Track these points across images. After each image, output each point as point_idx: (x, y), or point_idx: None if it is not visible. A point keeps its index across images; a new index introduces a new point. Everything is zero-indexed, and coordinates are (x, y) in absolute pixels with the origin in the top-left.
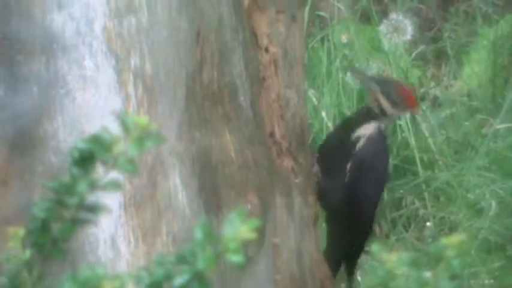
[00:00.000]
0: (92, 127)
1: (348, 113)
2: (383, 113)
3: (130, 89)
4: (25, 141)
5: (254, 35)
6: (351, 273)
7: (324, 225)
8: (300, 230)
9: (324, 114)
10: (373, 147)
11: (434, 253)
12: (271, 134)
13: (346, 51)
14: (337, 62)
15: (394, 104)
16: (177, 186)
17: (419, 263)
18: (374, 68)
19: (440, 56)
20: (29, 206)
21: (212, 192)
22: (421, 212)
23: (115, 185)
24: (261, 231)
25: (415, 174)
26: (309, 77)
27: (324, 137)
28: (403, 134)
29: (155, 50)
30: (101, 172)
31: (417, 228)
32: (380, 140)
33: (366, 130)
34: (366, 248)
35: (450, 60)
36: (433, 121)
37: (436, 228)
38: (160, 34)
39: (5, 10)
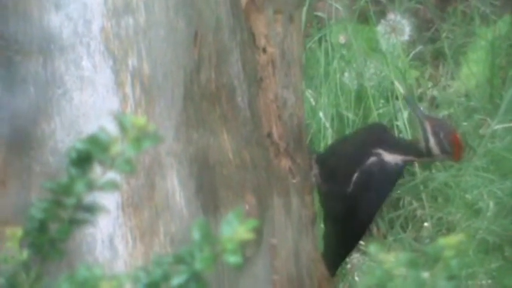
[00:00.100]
0: (89, 127)
1: (345, 113)
2: (428, 152)
3: (128, 89)
4: (22, 142)
5: (252, 35)
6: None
7: (321, 225)
8: (297, 230)
9: (321, 114)
10: (385, 166)
11: (432, 253)
12: (269, 135)
13: (344, 52)
14: (335, 63)
15: (443, 150)
16: (175, 187)
17: (417, 264)
18: (372, 68)
19: (438, 56)
20: (27, 206)
21: (210, 192)
22: (419, 212)
23: (112, 185)
24: (259, 231)
25: (413, 174)
26: (307, 78)
27: (321, 137)
28: (401, 135)
29: (153, 51)
30: (98, 172)
31: (415, 228)
32: (393, 170)
33: (389, 156)
34: (364, 249)
35: (448, 60)
36: None
37: (433, 229)
38: (157, 34)
39: (3, 10)
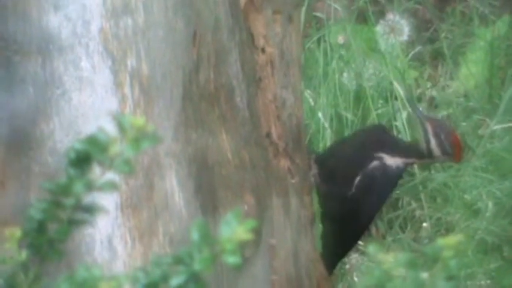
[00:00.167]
0: (88, 128)
1: (344, 113)
2: (429, 154)
3: (127, 89)
4: (21, 142)
5: (250, 35)
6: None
7: (319, 225)
8: (296, 231)
9: (320, 114)
10: (387, 170)
11: (431, 254)
12: (268, 135)
13: (343, 52)
14: (334, 63)
15: (444, 151)
16: (174, 187)
17: (416, 264)
18: (371, 68)
19: (437, 56)
20: (26, 206)
21: (209, 192)
22: (418, 212)
23: (111, 186)
24: (258, 231)
25: (412, 175)
26: (306, 78)
27: (320, 137)
28: (400, 135)
29: (152, 51)
30: (97, 173)
31: (414, 229)
32: (395, 173)
33: (391, 160)
34: (363, 249)
35: (447, 60)
36: None
37: (432, 229)
38: (156, 35)
39: (2, 11)
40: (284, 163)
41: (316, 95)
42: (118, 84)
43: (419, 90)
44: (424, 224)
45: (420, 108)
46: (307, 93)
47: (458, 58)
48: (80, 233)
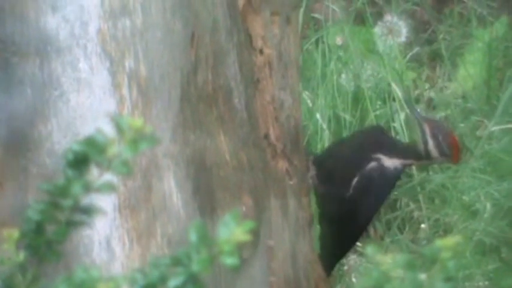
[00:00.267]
0: (86, 129)
1: (342, 115)
2: (427, 155)
3: (125, 91)
4: (19, 143)
5: (249, 36)
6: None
7: (317, 226)
8: (294, 232)
9: (318, 116)
10: (385, 171)
11: (429, 255)
12: (266, 136)
13: (341, 53)
14: (332, 64)
15: (442, 152)
16: (172, 188)
17: (414, 265)
18: (369, 69)
19: (435, 57)
20: (24, 207)
21: (207, 194)
22: (416, 214)
23: (109, 187)
24: (256, 233)
25: (410, 176)
26: (304, 79)
27: (318, 139)
28: (398, 136)
29: (150, 52)
30: (95, 174)
31: (412, 230)
32: (392, 174)
33: (389, 161)
34: (361, 250)
35: (445, 62)
36: None
37: (430, 230)
38: (154, 36)
39: (0, 12)
40: (282, 164)
41: (314, 96)
42: (116, 86)
43: (417, 92)
44: (422, 225)
45: (418, 110)
46: (305, 94)
47: (456, 59)
48: (78, 234)
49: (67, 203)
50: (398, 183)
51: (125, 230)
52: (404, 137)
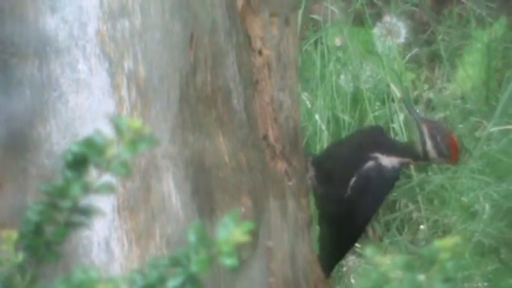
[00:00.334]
0: (85, 130)
1: (341, 116)
2: (425, 155)
3: (124, 92)
4: (18, 144)
5: (248, 37)
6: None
7: (317, 227)
8: (293, 233)
9: (317, 117)
10: (382, 170)
11: (428, 256)
12: (265, 137)
13: (340, 54)
14: (331, 65)
15: (440, 153)
16: (171, 190)
17: (413, 266)
18: (368, 70)
19: (434, 58)
20: (23, 208)
21: (206, 195)
22: (415, 215)
23: (108, 188)
24: (255, 234)
25: (409, 177)
26: (303, 80)
27: (317, 140)
28: (397, 137)
29: (149, 53)
30: (94, 175)
31: (411, 231)
32: (390, 174)
33: (387, 159)
34: (360, 251)
35: (444, 63)
36: None
37: (429, 231)
38: (153, 37)
39: None
40: (281, 165)
41: (313, 97)
42: (115, 87)
43: (416, 93)
44: (421, 226)
45: (417, 110)
46: (304, 95)
47: (455, 60)
48: (77, 235)
49: (66, 204)
50: (397, 183)
51: (124, 231)
52: (403, 138)
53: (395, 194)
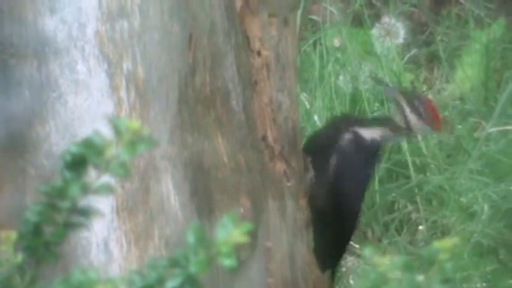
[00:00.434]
0: (84, 131)
1: None
2: (407, 125)
3: (123, 93)
4: (17, 145)
5: (246, 38)
6: (332, 275)
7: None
8: (292, 234)
9: (316, 117)
10: (361, 142)
11: (426, 257)
12: (264, 138)
13: (339, 55)
14: (330, 66)
15: (420, 117)
16: (170, 190)
17: (412, 267)
18: (366, 71)
19: (432, 59)
20: (22, 209)
21: (205, 196)
22: (414, 215)
23: (107, 189)
24: (254, 234)
25: (408, 177)
26: (302, 81)
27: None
28: None
29: (147, 54)
30: (93, 176)
31: (409, 231)
32: (370, 145)
33: (367, 132)
34: (359, 252)
35: (443, 63)
36: None
37: (428, 232)
38: (152, 38)
39: None
40: (280, 166)
41: (312, 98)
42: (114, 88)
43: None
44: (420, 227)
45: (390, 85)
46: (303, 96)
47: (454, 61)
48: (75, 236)
49: (65, 204)
50: (395, 184)
51: (123, 232)
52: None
53: (393, 194)
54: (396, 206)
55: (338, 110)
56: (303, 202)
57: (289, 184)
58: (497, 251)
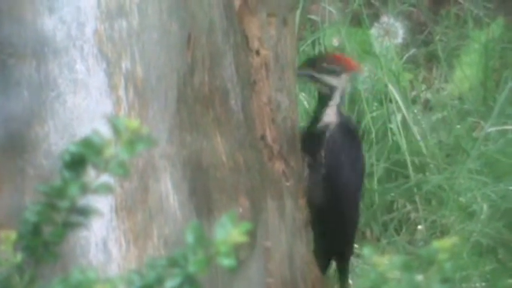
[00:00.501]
0: (83, 130)
1: None
2: (332, 88)
3: (122, 92)
4: (16, 145)
5: (245, 38)
6: (343, 273)
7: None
8: (291, 233)
9: None
10: (341, 131)
11: (426, 256)
12: (263, 137)
13: None
14: None
15: (334, 72)
16: (169, 190)
17: (411, 266)
18: (365, 71)
19: (431, 59)
20: (21, 209)
21: (203, 195)
22: (413, 215)
23: (106, 188)
24: (253, 234)
25: (407, 177)
26: (300, 80)
27: None
28: (394, 138)
29: (146, 54)
30: (92, 175)
31: (409, 231)
32: (347, 124)
33: (329, 116)
34: (358, 252)
35: (441, 63)
36: (425, 124)
37: (427, 232)
38: (151, 37)
39: None
40: (279, 166)
41: (310, 98)
42: (112, 87)
43: (413, 93)
44: (419, 227)
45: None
46: (302, 95)
47: (452, 60)
48: (74, 235)
49: (64, 204)
50: (394, 184)
51: (122, 231)
52: (401, 138)
53: (393, 194)
54: (395, 206)
55: None
56: (302, 202)
57: (288, 184)
58: (496, 250)
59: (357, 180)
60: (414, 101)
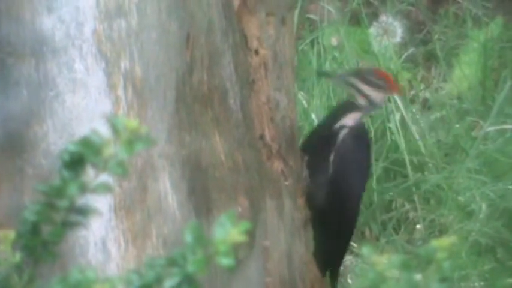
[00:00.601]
0: (81, 130)
1: None
2: (369, 101)
3: (120, 91)
4: (15, 144)
5: (244, 37)
6: (334, 275)
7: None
8: (290, 233)
9: (314, 116)
10: (355, 138)
11: (424, 255)
12: (261, 137)
13: (336, 54)
14: (327, 65)
15: (377, 87)
16: (167, 189)
17: (410, 266)
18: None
19: (430, 58)
20: (20, 208)
21: (202, 195)
22: (411, 214)
23: (105, 188)
24: (251, 234)
25: (405, 176)
26: (299, 80)
27: None
28: (393, 137)
29: (145, 53)
30: (91, 175)
31: (407, 230)
32: (362, 132)
33: (349, 120)
34: (357, 251)
35: (440, 62)
36: (423, 124)
37: (426, 231)
38: (150, 37)
39: None
40: (277, 165)
41: (309, 97)
42: (111, 86)
43: (412, 92)
44: (418, 226)
45: (339, 74)
46: (301, 95)
47: (451, 60)
48: (73, 235)
49: (63, 203)
50: (393, 183)
51: (121, 230)
52: (400, 137)
53: (391, 193)
54: (394, 205)
55: None
56: (301, 201)
57: (286, 183)
58: (495, 249)
59: (360, 188)
60: (413, 100)
